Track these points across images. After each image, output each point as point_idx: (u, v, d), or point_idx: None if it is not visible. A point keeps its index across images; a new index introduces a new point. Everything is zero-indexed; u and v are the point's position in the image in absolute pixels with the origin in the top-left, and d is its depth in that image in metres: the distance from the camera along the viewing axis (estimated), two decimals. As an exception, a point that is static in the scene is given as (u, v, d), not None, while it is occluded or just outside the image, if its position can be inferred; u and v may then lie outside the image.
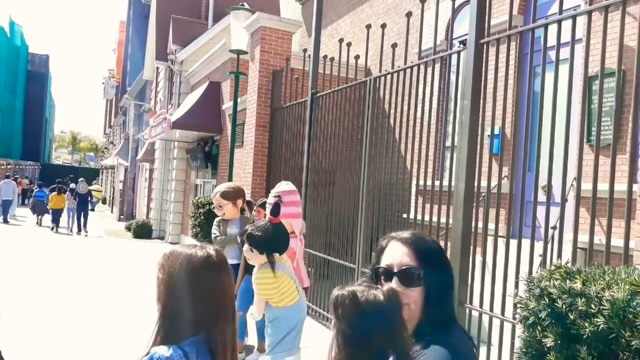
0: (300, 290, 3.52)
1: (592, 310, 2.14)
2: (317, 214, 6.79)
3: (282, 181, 4.52)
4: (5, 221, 19.81)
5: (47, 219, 19.69)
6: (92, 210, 30.19)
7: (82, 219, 18.08)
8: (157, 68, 18.40)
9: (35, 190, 23.19)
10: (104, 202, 38.11)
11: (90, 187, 30.60)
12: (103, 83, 47.65)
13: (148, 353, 1.55)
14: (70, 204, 18.43)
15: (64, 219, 18.47)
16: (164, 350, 1.54)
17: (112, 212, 29.13)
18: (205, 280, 1.64)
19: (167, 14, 16.41)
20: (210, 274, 1.66)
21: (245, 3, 9.17)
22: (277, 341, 3.36)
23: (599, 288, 2.19)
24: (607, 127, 5.55)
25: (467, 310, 4.05)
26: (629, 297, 2.06)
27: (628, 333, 1.99)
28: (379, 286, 1.50)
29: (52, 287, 8.04)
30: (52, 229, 18.46)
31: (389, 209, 5.40)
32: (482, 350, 4.09)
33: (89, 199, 19.30)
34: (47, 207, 19.63)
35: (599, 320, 2.10)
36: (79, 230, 17.93)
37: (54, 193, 18.91)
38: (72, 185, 19.90)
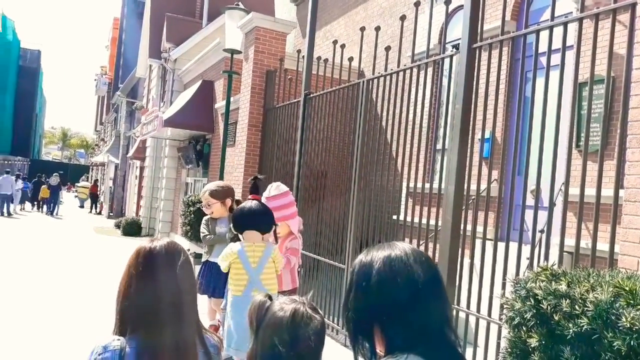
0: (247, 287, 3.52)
1: (576, 312, 2.17)
2: (309, 213, 6.80)
3: (272, 183, 4.47)
4: (4, 214, 20.81)
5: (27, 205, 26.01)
6: (81, 207, 30.16)
7: (51, 205, 23.75)
8: (150, 66, 18.32)
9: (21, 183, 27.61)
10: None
11: (79, 184, 31.64)
12: (95, 79, 47.32)
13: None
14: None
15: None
16: (107, 340, 1.54)
17: (99, 210, 28.70)
18: (146, 274, 1.55)
19: (162, 12, 16.36)
20: (152, 267, 1.56)
21: (240, 3, 9.18)
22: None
23: (584, 290, 2.22)
24: (595, 133, 5.62)
25: (455, 312, 4.08)
26: (612, 299, 2.09)
27: (610, 334, 2.02)
28: (305, 303, 1.53)
29: (30, 282, 8.02)
30: (49, 214, 23.56)
31: (380, 210, 5.42)
32: (469, 351, 4.13)
33: (59, 189, 24.46)
34: (29, 196, 25.44)
35: (582, 321, 2.12)
36: (50, 213, 23.47)
37: (44, 186, 24.46)
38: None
